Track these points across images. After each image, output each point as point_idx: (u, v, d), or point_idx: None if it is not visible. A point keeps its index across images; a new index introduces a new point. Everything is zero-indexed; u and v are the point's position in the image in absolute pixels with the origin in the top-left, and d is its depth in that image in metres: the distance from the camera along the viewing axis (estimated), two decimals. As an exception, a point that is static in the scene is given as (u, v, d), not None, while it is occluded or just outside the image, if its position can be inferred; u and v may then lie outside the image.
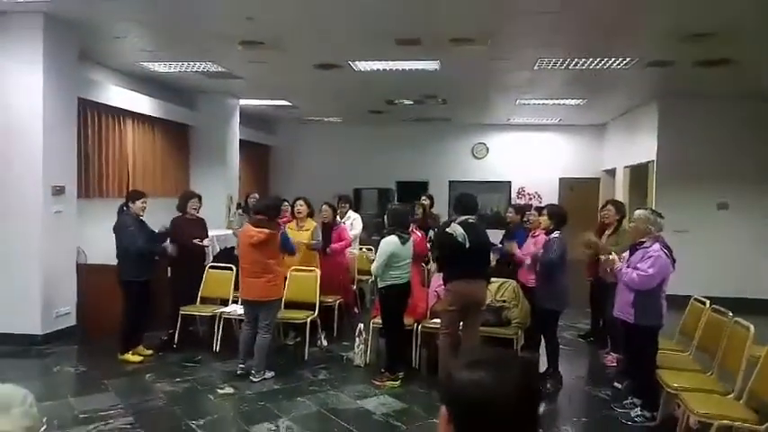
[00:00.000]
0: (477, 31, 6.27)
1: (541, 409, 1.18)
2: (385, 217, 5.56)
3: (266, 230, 5.23)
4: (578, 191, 13.33)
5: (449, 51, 6.96)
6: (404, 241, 5.30)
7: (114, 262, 6.09)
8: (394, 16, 5.87)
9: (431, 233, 6.86)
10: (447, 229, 5.08)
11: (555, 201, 12.76)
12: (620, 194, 11.11)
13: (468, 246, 4.95)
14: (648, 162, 9.95)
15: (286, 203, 6.97)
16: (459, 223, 5.06)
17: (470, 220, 5.13)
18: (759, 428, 3.43)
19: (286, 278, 6.01)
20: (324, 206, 7.00)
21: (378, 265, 5.23)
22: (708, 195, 9.27)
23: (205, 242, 6.48)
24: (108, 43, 7.13)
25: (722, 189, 9.27)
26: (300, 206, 6.55)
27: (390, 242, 5.26)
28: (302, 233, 6.48)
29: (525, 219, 6.67)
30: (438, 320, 5.48)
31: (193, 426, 4.29)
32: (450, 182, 13.71)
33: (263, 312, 5.35)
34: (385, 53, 7.21)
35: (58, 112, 6.36)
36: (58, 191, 6.35)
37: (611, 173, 12.74)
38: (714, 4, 5.29)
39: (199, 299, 6.41)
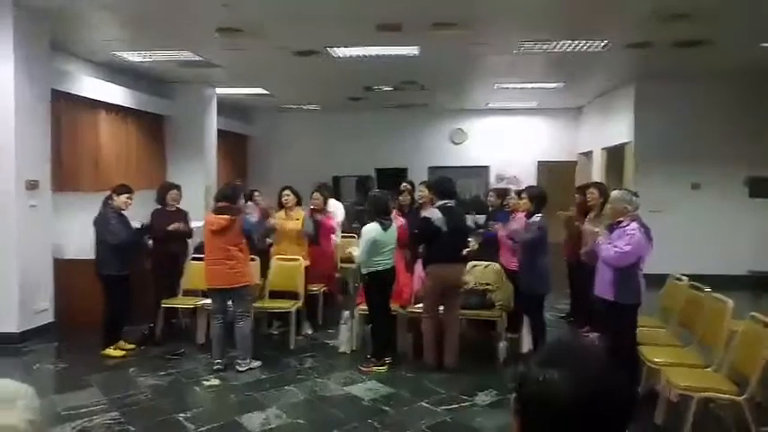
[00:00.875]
0: (460, 15, 6.24)
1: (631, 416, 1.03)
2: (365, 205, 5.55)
3: (226, 216, 5.20)
4: (555, 174, 13.44)
5: (429, 36, 6.93)
6: (385, 228, 5.31)
7: (90, 256, 6.01)
8: (376, 1, 5.82)
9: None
10: (425, 214, 5.13)
11: (533, 184, 12.91)
12: (597, 176, 11.22)
13: (446, 230, 5.00)
14: (625, 144, 10.09)
15: (257, 193, 6.97)
16: (437, 207, 5.10)
17: (449, 205, 5.17)
18: (738, 399, 3.52)
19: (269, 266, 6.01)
20: (315, 193, 6.99)
21: (361, 253, 5.24)
22: (682, 175, 9.43)
23: (178, 226, 6.29)
24: (80, 32, 6.96)
25: (696, 169, 9.44)
26: (287, 195, 6.50)
27: (371, 229, 5.27)
28: (292, 222, 6.44)
29: (505, 202, 6.75)
30: (422, 305, 5.53)
31: (181, 418, 4.26)
32: (429, 168, 13.72)
33: (235, 301, 5.33)
34: (365, 39, 7.15)
35: (31, 104, 6.20)
36: (33, 185, 6.21)
37: (588, 155, 12.88)
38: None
39: (181, 291, 6.35)
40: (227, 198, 5.35)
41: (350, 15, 6.28)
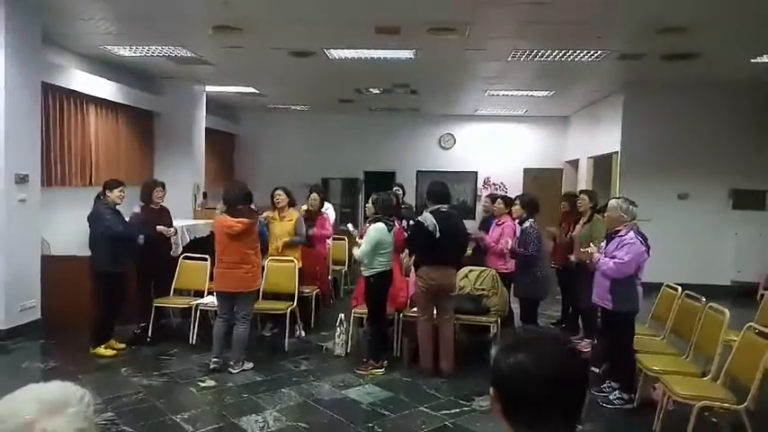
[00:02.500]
0: (457, 20, 6.28)
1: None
2: (370, 204, 5.56)
3: (245, 220, 5.13)
4: (541, 181, 13.58)
5: (426, 40, 6.95)
6: (390, 228, 5.35)
7: (78, 252, 5.89)
8: (375, 3, 5.82)
9: (404, 222, 6.90)
10: (419, 218, 5.20)
11: (519, 191, 13.03)
12: (584, 185, 11.37)
13: (438, 235, 5.04)
14: (612, 153, 10.23)
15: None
16: (431, 212, 5.15)
17: (442, 210, 5.21)
18: (739, 408, 3.59)
19: (263, 268, 5.94)
20: (312, 194, 6.95)
21: (365, 250, 5.24)
22: (669, 185, 9.60)
23: (170, 231, 6.27)
24: (72, 25, 6.82)
25: (682, 180, 9.61)
26: (279, 196, 6.44)
27: (378, 229, 5.29)
28: (284, 224, 6.40)
29: (487, 208, 6.92)
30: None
31: (178, 420, 4.20)
32: (417, 172, 13.78)
33: (239, 304, 5.26)
34: (363, 41, 7.15)
35: (21, 98, 6.07)
36: (22, 179, 6.08)
37: (574, 164, 13.04)
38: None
39: (172, 290, 6.26)
40: (245, 199, 5.26)
41: (350, 17, 6.27)
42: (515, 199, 6.08)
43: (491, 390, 1.22)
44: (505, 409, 1.19)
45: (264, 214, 6.31)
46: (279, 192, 6.50)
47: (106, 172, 8.23)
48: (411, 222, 7.04)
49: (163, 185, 6.44)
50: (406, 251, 5.98)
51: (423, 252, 5.30)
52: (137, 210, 6.17)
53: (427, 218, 5.19)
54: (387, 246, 5.30)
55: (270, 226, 6.37)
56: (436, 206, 5.29)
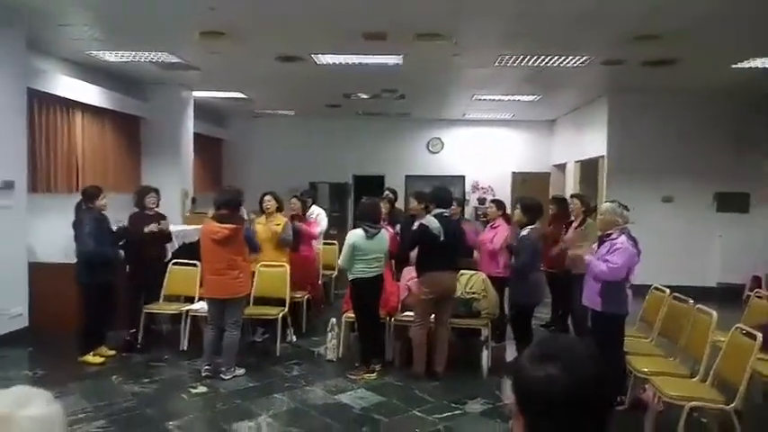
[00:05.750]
0: (443, 27, 6.32)
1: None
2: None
3: (230, 226, 5.09)
4: (529, 185, 13.67)
5: (413, 46, 6.99)
6: (369, 236, 5.28)
7: (65, 259, 5.83)
8: (362, 10, 5.84)
9: (397, 227, 6.91)
10: (422, 221, 5.17)
11: (508, 194, 13.13)
12: (571, 188, 11.48)
13: (442, 238, 5.05)
14: (599, 157, 10.34)
15: None
16: (434, 216, 5.16)
17: (445, 214, 5.22)
18: (727, 408, 3.65)
19: (253, 273, 5.92)
20: (293, 199, 6.96)
21: (341, 257, 5.31)
22: (654, 189, 9.72)
23: (153, 228, 6.06)
24: (57, 31, 6.76)
25: (667, 183, 9.74)
26: (269, 201, 6.44)
27: (353, 235, 5.30)
28: (273, 228, 6.38)
29: (481, 212, 6.86)
30: (410, 313, 5.56)
31: (171, 427, 4.18)
32: (406, 176, 13.82)
33: (229, 310, 5.23)
34: (350, 47, 7.17)
35: (6, 103, 6.01)
36: (7, 185, 6.01)
37: (561, 167, 13.15)
38: (666, 7, 5.52)
39: (162, 296, 6.22)
40: (230, 205, 5.19)
41: (337, 23, 6.29)
42: (516, 203, 5.95)
43: (512, 407, 1.15)
44: (530, 423, 1.12)
45: (251, 217, 6.29)
46: (268, 197, 6.50)
47: (93, 178, 8.15)
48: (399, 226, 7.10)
49: (156, 191, 6.38)
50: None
51: (428, 256, 5.23)
52: (123, 223, 6.06)
53: (431, 221, 5.21)
54: (366, 252, 5.25)
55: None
56: (439, 210, 5.32)
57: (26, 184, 6.44)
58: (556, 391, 1.07)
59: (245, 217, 5.65)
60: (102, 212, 5.59)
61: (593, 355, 1.15)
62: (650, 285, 5.50)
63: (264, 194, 6.60)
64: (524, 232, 5.49)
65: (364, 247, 5.25)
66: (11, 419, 1.07)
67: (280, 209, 6.55)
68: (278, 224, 6.43)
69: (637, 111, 9.65)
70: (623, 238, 4.60)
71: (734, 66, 7.64)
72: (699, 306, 4.50)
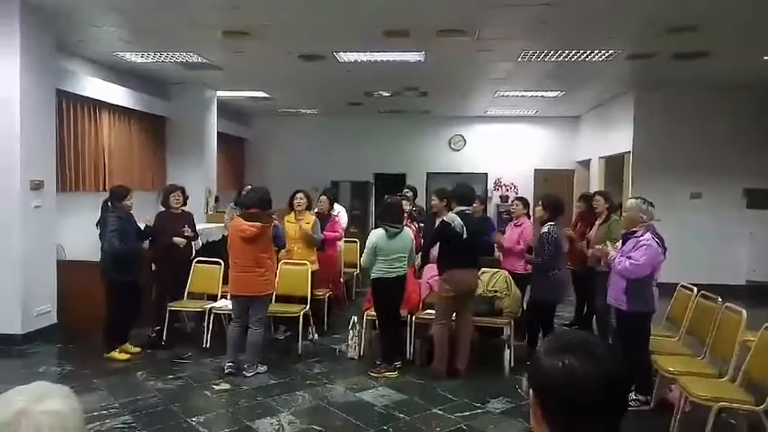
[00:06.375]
0: (466, 23, 6.28)
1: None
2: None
3: (259, 224, 5.15)
4: (552, 182, 13.52)
5: (435, 43, 6.96)
6: (390, 235, 5.28)
7: (93, 257, 5.93)
8: (384, 7, 5.83)
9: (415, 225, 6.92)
10: (445, 219, 5.14)
11: (531, 192, 12.98)
12: (596, 185, 11.32)
13: (465, 236, 5.02)
14: (624, 153, 10.17)
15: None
16: (456, 213, 5.13)
17: (467, 211, 5.19)
18: (757, 409, 3.55)
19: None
20: (321, 197, 6.99)
21: (363, 258, 5.30)
22: (682, 185, 9.53)
23: (181, 241, 6.14)
24: (85, 32, 6.90)
25: (695, 179, 9.54)
26: (301, 199, 6.50)
27: (375, 234, 5.30)
28: (303, 226, 6.45)
29: (503, 210, 6.80)
30: (431, 311, 5.53)
31: (194, 423, 4.22)
32: (428, 174, 13.77)
33: (254, 307, 5.27)
34: (372, 45, 7.17)
35: (36, 104, 6.14)
36: (37, 185, 6.14)
37: (585, 164, 12.97)
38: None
39: (186, 294, 6.30)
40: (259, 204, 5.26)
41: (359, 21, 6.30)
42: (539, 200, 5.90)
43: (531, 394, 1.18)
44: (548, 415, 1.14)
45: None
46: (300, 195, 6.55)
47: (119, 177, 8.31)
48: (421, 225, 7.08)
49: (182, 190, 6.43)
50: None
51: (449, 254, 5.20)
52: (150, 221, 6.16)
53: (454, 219, 5.18)
54: (388, 252, 5.25)
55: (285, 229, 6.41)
56: (460, 207, 5.29)
57: (55, 184, 6.57)
58: (575, 379, 1.09)
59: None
60: (130, 211, 5.66)
61: (609, 347, 1.18)
62: (677, 283, 5.38)
63: (296, 192, 6.63)
64: (545, 229, 5.42)
65: (385, 246, 5.25)
66: (27, 414, 1.09)
67: (309, 207, 6.59)
68: (308, 222, 6.48)
69: (663, 106, 9.47)
70: (648, 235, 4.52)
71: (766, 58, 7.44)
72: (727, 304, 4.38)
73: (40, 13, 6.01)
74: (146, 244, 6.01)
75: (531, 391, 1.17)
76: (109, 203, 5.68)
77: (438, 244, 5.35)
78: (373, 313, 5.66)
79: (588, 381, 1.09)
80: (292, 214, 6.53)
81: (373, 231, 5.38)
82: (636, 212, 4.61)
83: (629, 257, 4.52)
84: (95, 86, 8.01)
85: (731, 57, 7.43)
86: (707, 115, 9.39)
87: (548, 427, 1.15)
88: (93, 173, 8.14)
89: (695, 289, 5.03)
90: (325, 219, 6.89)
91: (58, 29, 6.42)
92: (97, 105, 8.18)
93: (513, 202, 6.46)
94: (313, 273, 6.32)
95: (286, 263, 6.23)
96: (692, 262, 8.75)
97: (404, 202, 7.40)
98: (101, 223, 5.62)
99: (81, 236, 7.08)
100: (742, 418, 3.99)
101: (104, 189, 8.15)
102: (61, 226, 6.80)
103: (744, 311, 4.11)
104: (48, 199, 6.33)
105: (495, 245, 6.68)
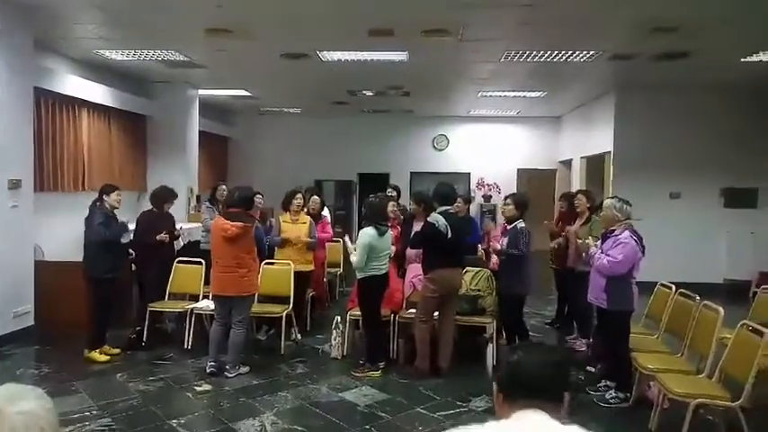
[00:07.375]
0: (449, 23, 6.29)
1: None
2: (362, 209, 5.57)
3: (240, 224, 5.11)
4: (535, 181, 13.63)
5: (419, 43, 6.97)
6: (381, 233, 5.30)
7: (72, 258, 5.86)
8: (368, 6, 5.83)
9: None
10: (429, 219, 5.16)
11: (513, 191, 13.03)
12: (577, 185, 11.42)
13: (449, 235, 5.04)
14: (605, 153, 10.28)
15: (259, 196, 6.82)
16: (439, 213, 5.14)
17: (450, 211, 5.21)
18: (733, 405, 3.61)
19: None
20: (313, 197, 6.95)
21: (359, 259, 5.22)
22: (661, 184, 9.65)
23: (165, 236, 6.13)
24: (64, 30, 6.80)
25: (674, 179, 9.67)
26: (299, 200, 6.48)
27: (367, 234, 5.27)
28: (299, 226, 6.44)
29: (486, 209, 6.86)
30: (414, 310, 5.54)
31: (174, 425, 4.18)
32: (411, 173, 13.80)
33: (236, 307, 5.24)
34: (355, 43, 7.16)
35: (14, 102, 6.03)
36: (15, 184, 6.04)
37: (567, 164, 13.10)
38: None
39: (167, 294, 6.24)
40: (241, 204, 5.22)
41: (342, 20, 6.29)
42: (506, 198, 5.93)
43: (494, 389, 1.58)
44: (507, 396, 1.52)
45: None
46: (299, 196, 6.53)
47: (99, 177, 8.21)
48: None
49: (175, 196, 6.42)
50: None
51: (434, 253, 5.23)
52: (129, 223, 6.09)
53: (438, 219, 5.19)
54: (380, 250, 5.26)
55: (281, 229, 6.41)
56: (444, 207, 5.31)
57: (33, 183, 6.46)
58: (520, 368, 1.54)
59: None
60: (113, 209, 5.59)
61: (549, 347, 1.80)
62: (656, 282, 5.45)
63: (295, 192, 6.59)
64: (522, 224, 5.45)
65: (377, 245, 5.25)
66: (1, 415, 1.08)
67: (304, 207, 6.61)
68: (303, 222, 6.49)
69: (644, 106, 9.58)
70: (627, 233, 4.58)
71: (743, 59, 7.57)
72: (705, 302, 4.46)
73: (17, 9, 5.91)
74: (128, 238, 5.93)
75: (494, 383, 1.60)
76: (97, 203, 5.62)
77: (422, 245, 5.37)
78: (357, 313, 5.66)
79: (531, 367, 1.53)
80: (287, 214, 6.50)
81: (364, 231, 5.31)
82: (611, 211, 4.67)
83: (608, 255, 4.58)
84: (75, 84, 7.90)
85: (709, 58, 7.53)
86: (685, 116, 9.52)
87: (507, 405, 1.51)
88: (72, 172, 8.02)
89: (674, 287, 5.11)
90: (315, 220, 6.85)
91: (36, 25, 6.31)
92: (76, 104, 8.06)
93: (504, 201, 6.34)
94: (309, 273, 6.30)
95: (268, 263, 6.19)
96: (670, 261, 8.87)
97: (390, 203, 7.47)
98: (87, 219, 5.55)
99: (60, 236, 7.01)
100: (719, 414, 4.06)
101: (83, 189, 8.05)
102: (39, 226, 6.70)
103: (721, 309, 4.18)
104: (25, 199, 6.23)
105: (484, 235, 6.70)
